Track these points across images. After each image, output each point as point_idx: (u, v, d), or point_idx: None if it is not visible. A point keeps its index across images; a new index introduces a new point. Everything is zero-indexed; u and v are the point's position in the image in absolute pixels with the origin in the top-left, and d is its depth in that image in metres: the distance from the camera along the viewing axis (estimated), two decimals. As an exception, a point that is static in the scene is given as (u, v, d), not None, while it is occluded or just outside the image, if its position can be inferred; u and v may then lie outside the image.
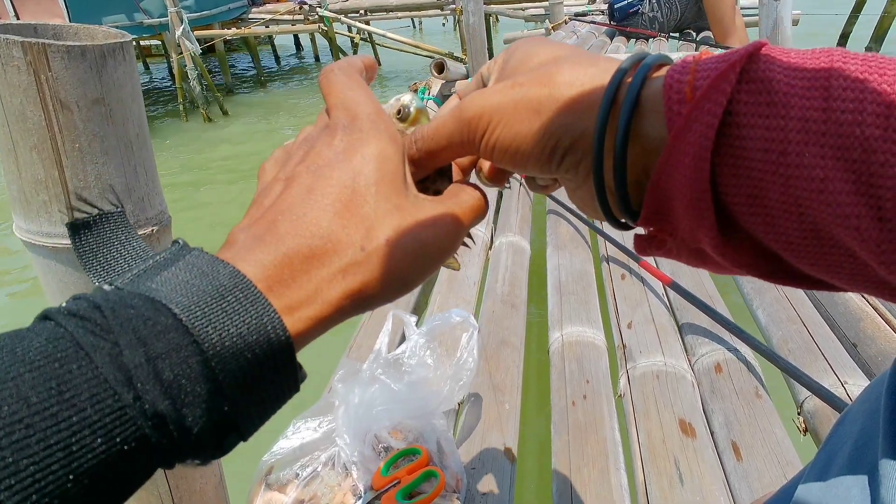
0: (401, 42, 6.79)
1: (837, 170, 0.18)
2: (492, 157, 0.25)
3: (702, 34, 3.72)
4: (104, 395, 0.16)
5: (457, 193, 0.26)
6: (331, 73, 0.26)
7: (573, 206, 1.63)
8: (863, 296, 1.16)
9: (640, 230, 0.25)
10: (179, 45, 6.27)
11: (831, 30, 5.82)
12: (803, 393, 0.93)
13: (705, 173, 0.20)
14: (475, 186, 0.27)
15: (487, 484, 0.79)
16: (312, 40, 10.39)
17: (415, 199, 0.24)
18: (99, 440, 0.16)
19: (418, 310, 1.29)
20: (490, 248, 1.55)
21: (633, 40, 3.95)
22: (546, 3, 4.91)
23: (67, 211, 0.41)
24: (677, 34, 3.82)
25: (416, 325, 0.86)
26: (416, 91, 2.72)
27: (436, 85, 2.87)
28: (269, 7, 8.99)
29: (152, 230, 0.45)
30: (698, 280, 1.28)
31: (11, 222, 0.43)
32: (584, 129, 0.23)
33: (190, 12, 6.75)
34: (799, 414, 0.94)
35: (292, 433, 0.76)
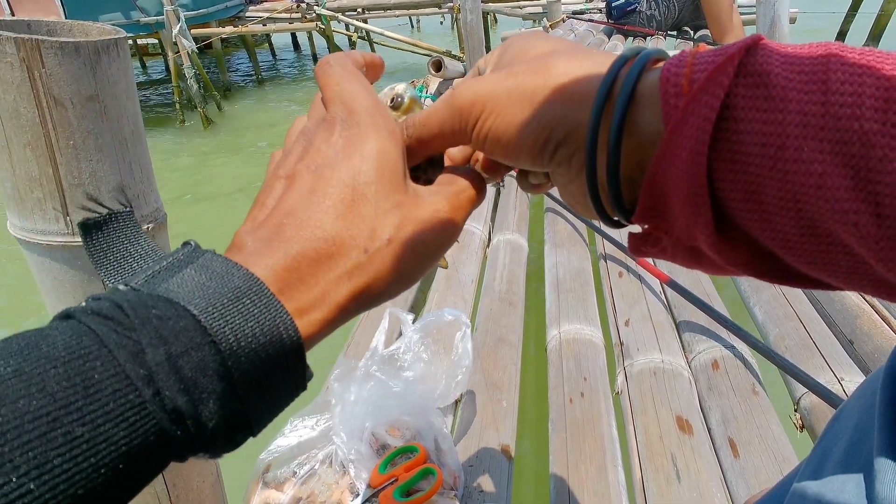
0: (398, 40, 6.78)
1: (836, 165, 0.18)
2: (483, 146, 0.25)
3: (699, 32, 3.72)
4: (126, 391, 0.17)
5: (452, 183, 0.26)
6: (326, 64, 0.26)
7: (571, 204, 1.63)
8: (859, 293, 1.16)
9: (634, 229, 0.25)
10: (176, 44, 6.25)
11: (828, 28, 5.83)
12: (800, 390, 0.93)
13: (702, 168, 0.19)
14: (468, 173, 0.27)
15: (485, 481, 0.79)
16: (310, 39, 10.36)
17: (414, 194, 0.24)
18: (121, 433, 0.16)
19: (416, 308, 1.29)
20: (488, 245, 1.55)
21: (630, 38, 3.95)
22: (543, 2, 4.91)
23: (62, 208, 0.40)
24: (675, 32, 3.82)
25: (412, 323, 0.86)
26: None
27: (433, 83, 2.87)
28: (266, 5, 8.96)
29: (148, 227, 0.45)
30: (696, 278, 1.28)
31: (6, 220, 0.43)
32: (579, 121, 0.22)
33: (187, 10, 6.74)
34: (795, 410, 0.94)
35: (290, 431, 0.76)
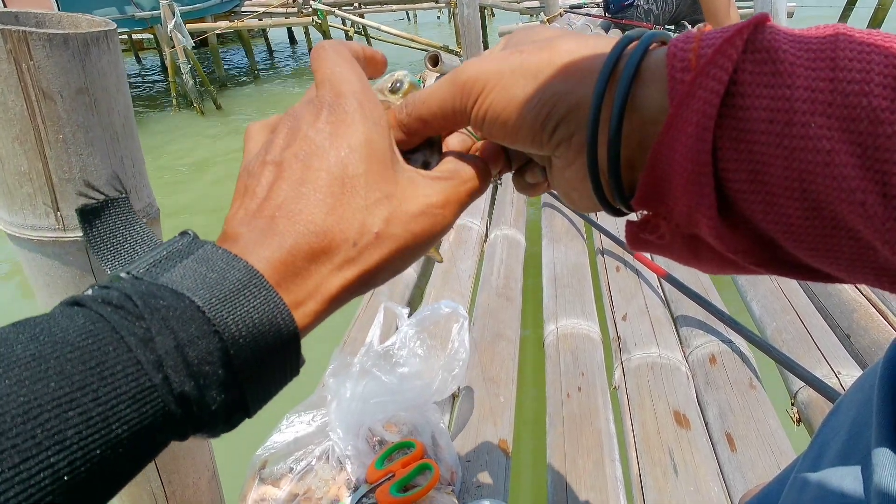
0: (395, 35, 6.76)
1: (844, 142, 0.17)
2: (482, 125, 0.25)
3: (696, 27, 3.71)
4: (137, 375, 0.18)
5: (454, 173, 0.26)
6: (322, 48, 0.26)
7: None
8: (856, 286, 1.16)
9: (633, 218, 0.24)
10: (172, 39, 6.21)
11: (826, 22, 5.81)
12: (797, 383, 0.93)
13: (707, 145, 0.19)
14: (474, 161, 0.27)
15: (482, 476, 0.79)
16: (306, 34, 10.31)
17: (407, 182, 0.24)
18: (132, 414, 0.17)
19: (413, 303, 1.29)
20: (485, 241, 1.55)
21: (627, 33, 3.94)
22: (541, -4, 4.89)
23: (52, 203, 0.40)
24: (672, 27, 3.82)
25: (408, 317, 0.86)
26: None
27: (431, 78, 2.86)
28: (261, 0, 8.91)
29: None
30: (693, 272, 1.28)
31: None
32: (581, 98, 0.22)
33: (182, 5, 6.69)
34: (793, 404, 0.95)
35: (286, 427, 0.76)
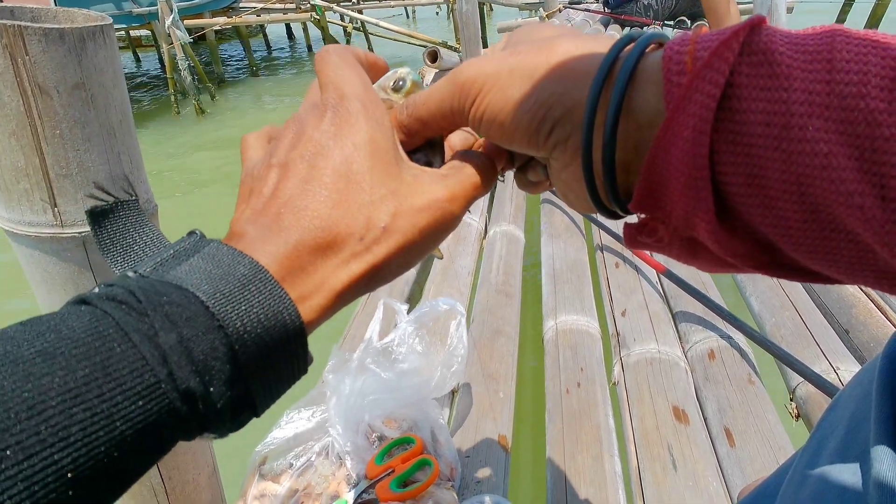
0: (394, 31, 6.74)
1: (841, 145, 0.17)
2: (480, 126, 0.25)
3: (696, 22, 3.70)
4: (142, 371, 0.18)
5: (459, 169, 0.26)
6: (326, 53, 0.27)
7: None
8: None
9: (631, 219, 0.24)
10: (170, 35, 6.18)
11: (825, 20, 5.81)
12: (796, 379, 0.93)
13: (704, 148, 0.19)
14: (479, 158, 0.27)
15: (482, 472, 0.79)
16: (305, 30, 10.27)
17: (413, 179, 0.24)
18: (137, 410, 0.17)
19: (412, 300, 1.29)
20: (484, 237, 1.55)
21: (627, 28, 3.93)
22: (540, -9, 4.87)
23: (50, 199, 0.40)
24: (672, 22, 3.80)
25: (407, 313, 0.86)
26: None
27: (429, 74, 2.85)
28: (260, -5, 8.88)
29: (138, 219, 0.44)
30: (692, 268, 1.28)
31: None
32: (577, 100, 0.22)
33: (179, 1, 6.66)
34: (791, 400, 0.95)
35: (286, 423, 0.76)
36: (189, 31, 6.44)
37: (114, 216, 0.40)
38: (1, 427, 0.15)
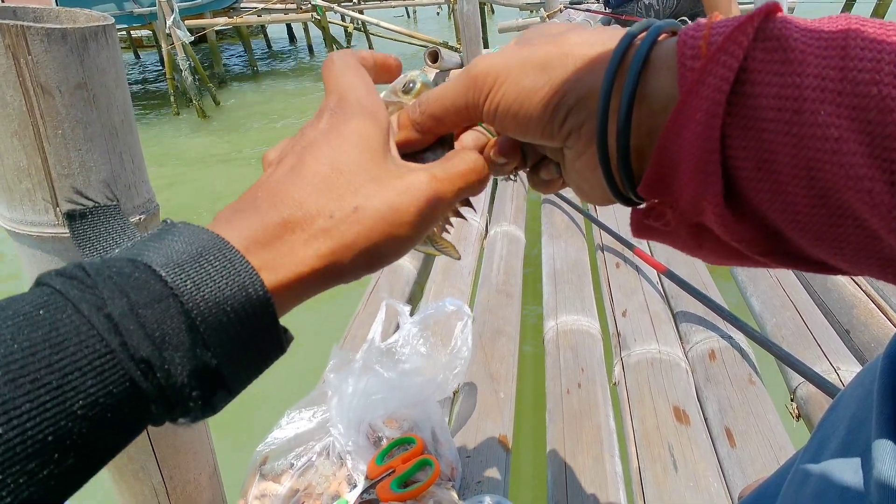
0: (395, 31, 6.74)
1: (852, 130, 0.17)
2: (494, 118, 0.25)
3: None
4: (92, 340, 0.17)
5: (450, 158, 0.26)
6: (331, 61, 0.27)
7: (568, 195, 1.63)
8: (856, 282, 1.16)
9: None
10: (170, 35, 6.19)
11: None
12: (796, 379, 0.93)
13: (716, 132, 0.19)
14: (468, 150, 0.27)
15: (482, 472, 0.79)
16: (306, 30, 10.27)
17: (397, 169, 0.24)
18: (90, 381, 0.17)
19: (413, 300, 1.29)
20: (485, 237, 1.55)
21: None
22: (541, -9, 4.87)
23: (52, 199, 0.40)
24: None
25: (410, 314, 0.86)
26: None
27: (430, 74, 2.85)
28: (261, -5, 8.88)
29: (140, 219, 0.44)
30: (693, 268, 1.28)
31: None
32: (591, 87, 0.22)
33: (180, 1, 6.66)
34: (792, 400, 0.95)
35: (286, 423, 0.76)
36: (190, 31, 6.44)
37: (92, 218, 0.40)
38: None
